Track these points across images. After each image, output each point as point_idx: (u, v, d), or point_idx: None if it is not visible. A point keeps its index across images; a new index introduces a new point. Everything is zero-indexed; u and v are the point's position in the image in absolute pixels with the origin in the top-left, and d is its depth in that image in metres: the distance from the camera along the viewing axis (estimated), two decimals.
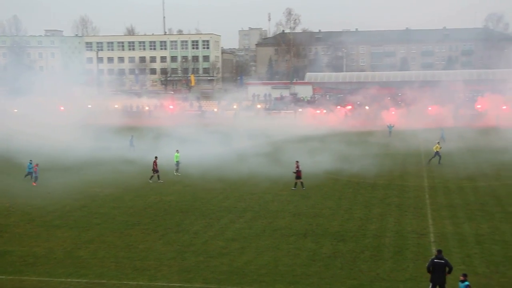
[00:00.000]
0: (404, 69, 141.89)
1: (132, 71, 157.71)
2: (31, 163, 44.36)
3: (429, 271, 20.95)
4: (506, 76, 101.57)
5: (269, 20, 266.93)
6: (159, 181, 43.97)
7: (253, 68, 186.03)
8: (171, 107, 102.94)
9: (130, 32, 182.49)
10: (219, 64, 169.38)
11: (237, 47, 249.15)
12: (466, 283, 19.73)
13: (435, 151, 50.50)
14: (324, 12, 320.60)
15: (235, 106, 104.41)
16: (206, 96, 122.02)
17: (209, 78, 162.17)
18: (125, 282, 23.45)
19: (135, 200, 38.17)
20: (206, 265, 25.25)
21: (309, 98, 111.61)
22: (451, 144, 59.09)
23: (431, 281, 20.87)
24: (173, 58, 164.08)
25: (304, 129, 74.94)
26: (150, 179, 44.33)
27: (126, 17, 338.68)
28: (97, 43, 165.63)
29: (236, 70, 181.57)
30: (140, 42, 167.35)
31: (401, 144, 62.55)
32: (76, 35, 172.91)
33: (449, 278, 20.83)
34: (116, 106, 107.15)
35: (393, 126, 73.00)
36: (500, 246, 27.27)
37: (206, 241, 28.76)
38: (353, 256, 26.16)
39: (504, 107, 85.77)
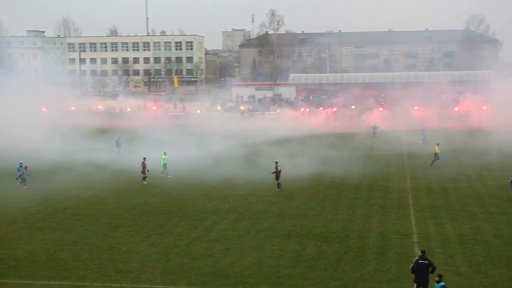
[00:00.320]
0: (387, 70, 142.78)
1: (115, 72, 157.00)
2: (21, 166, 43.80)
3: (413, 271, 21.06)
4: (487, 77, 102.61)
5: (253, 21, 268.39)
6: (143, 182, 43.73)
7: (237, 69, 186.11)
8: (154, 108, 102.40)
9: (113, 33, 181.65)
10: (203, 65, 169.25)
11: (220, 48, 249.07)
12: (442, 283, 19.92)
13: (435, 152, 50.77)
14: (307, 14, 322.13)
15: (218, 108, 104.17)
16: (189, 97, 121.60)
17: (192, 79, 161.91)
18: (108, 285, 23.29)
19: (118, 202, 37.93)
20: (190, 266, 25.17)
21: (292, 99, 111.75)
22: (434, 146, 59.34)
23: (415, 281, 20.99)
24: (156, 59, 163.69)
25: (286, 130, 74.72)
26: (143, 180, 43.90)
27: (109, 18, 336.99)
28: (80, 44, 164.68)
29: (219, 71, 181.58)
30: (123, 43, 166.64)
31: (384, 145, 62.77)
32: (58, 35, 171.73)
33: (432, 278, 20.93)
34: (99, 107, 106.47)
35: (377, 127, 73.09)
36: (482, 246, 27.50)
37: (189, 242, 28.67)
38: (337, 257, 26.23)
39: (485, 108, 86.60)
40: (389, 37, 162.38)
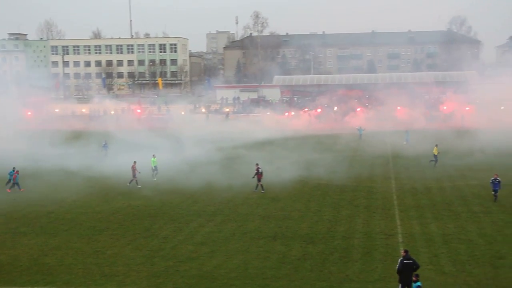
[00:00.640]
0: (370, 71, 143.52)
1: (99, 75, 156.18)
2: (13, 171, 43.35)
3: (398, 272, 21.15)
4: (468, 77, 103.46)
5: (237, 23, 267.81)
6: (128, 184, 43.50)
7: (221, 71, 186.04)
8: (138, 111, 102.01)
9: (97, 35, 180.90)
10: (187, 68, 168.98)
11: (205, 50, 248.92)
12: (418, 283, 20.11)
13: (434, 154, 51.01)
14: (291, 16, 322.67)
15: (203, 110, 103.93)
16: (173, 100, 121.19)
17: (177, 81, 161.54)
18: None
19: (102, 205, 37.73)
20: (176, 269, 25.09)
21: (277, 101, 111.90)
22: (418, 147, 59.68)
23: (400, 281, 21.07)
24: (140, 62, 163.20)
25: (270, 132, 74.64)
26: (136, 184, 43.52)
27: (92, 21, 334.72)
28: (63, 46, 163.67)
29: (204, 73, 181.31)
30: (106, 46, 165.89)
31: (369, 147, 62.95)
32: (41, 38, 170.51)
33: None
34: (83, 110, 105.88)
35: (363, 130, 71.78)
36: (466, 245, 27.71)
37: (175, 245, 28.59)
38: (323, 258, 26.29)
39: (468, 108, 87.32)
40: (373, 39, 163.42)
